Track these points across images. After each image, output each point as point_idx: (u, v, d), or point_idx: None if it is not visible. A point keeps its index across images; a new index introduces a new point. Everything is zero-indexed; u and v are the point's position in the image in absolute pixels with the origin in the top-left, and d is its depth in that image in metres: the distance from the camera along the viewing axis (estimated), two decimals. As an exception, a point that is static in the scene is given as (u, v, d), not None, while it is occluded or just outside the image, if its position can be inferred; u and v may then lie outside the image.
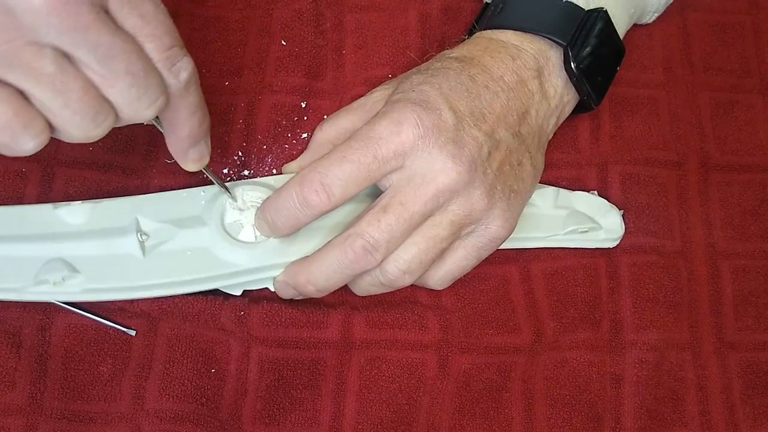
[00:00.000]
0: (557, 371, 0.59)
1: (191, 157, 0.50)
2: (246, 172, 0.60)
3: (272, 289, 0.56)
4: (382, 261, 0.51)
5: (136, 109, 0.44)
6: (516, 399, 0.58)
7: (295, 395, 0.56)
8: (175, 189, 0.58)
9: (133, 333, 0.55)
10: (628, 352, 0.60)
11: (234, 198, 0.55)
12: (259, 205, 0.54)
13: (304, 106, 0.62)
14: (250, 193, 0.56)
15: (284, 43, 0.63)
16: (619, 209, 0.62)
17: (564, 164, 0.63)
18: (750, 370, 0.61)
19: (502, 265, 0.58)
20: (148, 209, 0.55)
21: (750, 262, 0.63)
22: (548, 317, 0.60)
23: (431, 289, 0.56)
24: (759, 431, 0.60)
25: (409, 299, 0.58)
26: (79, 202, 0.54)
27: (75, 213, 0.54)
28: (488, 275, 0.58)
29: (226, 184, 0.56)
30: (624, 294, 0.61)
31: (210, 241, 0.54)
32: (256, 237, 0.55)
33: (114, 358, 0.54)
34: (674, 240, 0.63)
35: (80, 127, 0.43)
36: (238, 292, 0.56)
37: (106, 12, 0.41)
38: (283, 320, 0.56)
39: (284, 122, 0.61)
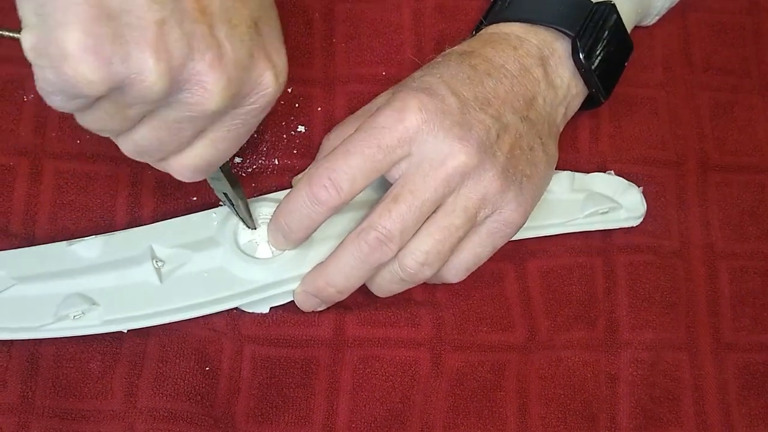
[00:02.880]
0: (552, 370, 0.59)
1: None
2: (238, 160, 0.60)
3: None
4: (397, 252, 0.51)
5: None
6: (510, 398, 0.58)
7: (288, 394, 0.56)
8: (169, 178, 0.58)
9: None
10: (623, 352, 0.60)
11: (241, 206, 0.55)
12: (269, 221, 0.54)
13: (290, 91, 0.62)
14: (261, 209, 0.56)
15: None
16: (638, 186, 0.62)
17: (562, 163, 0.62)
18: (746, 371, 0.61)
19: (497, 262, 0.58)
20: (161, 236, 0.55)
21: (748, 262, 0.63)
22: (543, 316, 0.59)
23: (425, 286, 0.56)
24: (754, 432, 0.60)
25: (402, 296, 0.57)
26: (93, 236, 0.55)
27: (89, 247, 0.54)
28: (483, 272, 0.57)
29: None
30: (620, 293, 0.61)
31: (226, 260, 0.54)
32: (272, 253, 0.55)
33: (103, 354, 0.54)
34: (672, 240, 0.63)
35: None
36: (265, 310, 0.56)
37: None
38: (275, 319, 0.56)
39: (273, 111, 0.61)
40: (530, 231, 0.58)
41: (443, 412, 0.57)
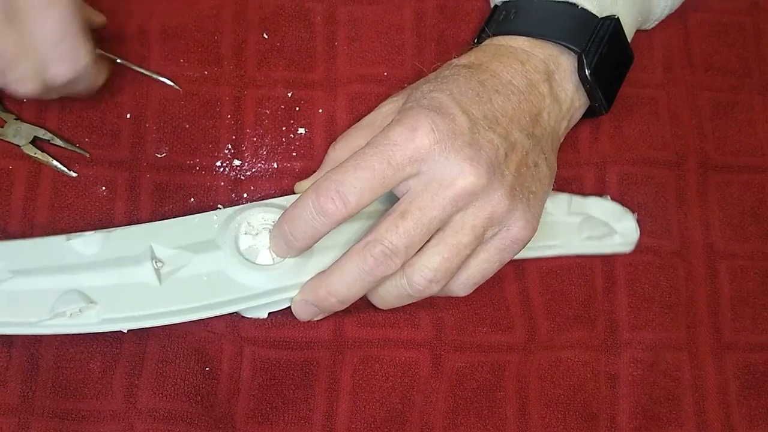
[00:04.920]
0: (552, 370, 0.59)
1: None
2: (237, 162, 0.60)
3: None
4: (402, 266, 0.51)
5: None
6: (510, 398, 0.58)
7: (288, 395, 0.56)
8: (167, 181, 0.58)
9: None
10: (623, 352, 0.60)
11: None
12: (271, 228, 0.54)
13: (290, 95, 0.62)
14: (263, 215, 0.56)
15: (266, 37, 0.63)
16: (633, 212, 0.62)
17: (562, 164, 0.62)
18: (746, 371, 0.61)
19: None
20: (161, 236, 0.55)
21: (748, 262, 0.63)
22: (542, 316, 0.60)
23: None
24: (755, 432, 0.60)
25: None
26: (92, 232, 0.55)
27: (88, 243, 0.54)
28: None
29: (235, 205, 0.56)
30: (619, 293, 0.61)
31: (226, 264, 0.54)
32: (273, 260, 0.54)
33: (103, 355, 0.54)
34: (672, 240, 0.63)
35: None
36: (263, 315, 0.56)
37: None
38: (275, 321, 0.56)
39: (273, 115, 0.61)
40: (527, 252, 0.58)
41: (443, 412, 0.57)
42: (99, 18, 0.59)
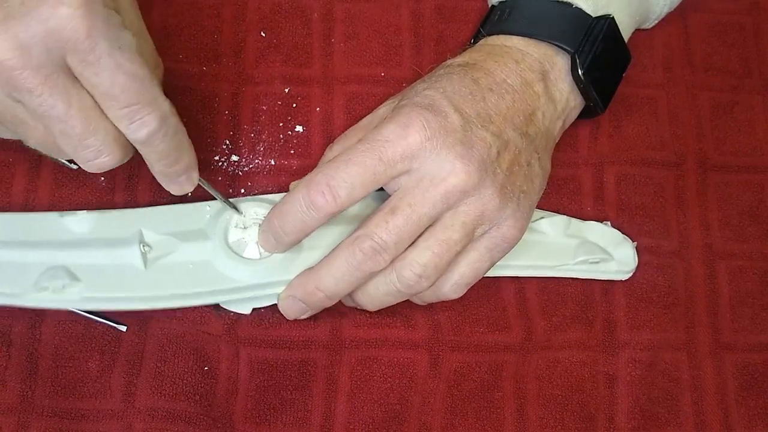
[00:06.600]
0: (549, 371, 0.59)
1: (170, 188, 0.51)
2: (235, 158, 0.60)
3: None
4: (391, 262, 0.51)
5: (81, 162, 0.46)
6: (508, 398, 0.58)
7: (285, 396, 0.56)
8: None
9: (123, 329, 0.55)
10: (621, 352, 0.60)
11: (240, 212, 0.55)
12: (261, 222, 0.54)
13: (287, 91, 0.62)
14: (255, 209, 0.56)
15: (263, 35, 0.63)
16: (633, 241, 0.62)
17: (560, 163, 0.62)
18: (745, 371, 0.61)
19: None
20: (152, 221, 0.55)
21: (747, 263, 0.63)
22: (539, 316, 0.60)
23: None
24: (753, 433, 0.60)
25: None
26: (85, 211, 0.55)
27: (80, 222, 0.54)
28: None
29: (231, 199, 0.56)
30: (617, 294, 0.61)
31: (213, 255, 0.54)
32: (260, 255, 0.54)
33: (102, 353, 0.55)
34: (671, 240, 0.63)
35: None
36: (247, 311, 0.56)
37: (66, 69, 0.43)
38: (272, 321, 0.57)
39: (270, 111, 0.61)
40: (519, 270, 0.59)
41: (441, 413, 0.57)
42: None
